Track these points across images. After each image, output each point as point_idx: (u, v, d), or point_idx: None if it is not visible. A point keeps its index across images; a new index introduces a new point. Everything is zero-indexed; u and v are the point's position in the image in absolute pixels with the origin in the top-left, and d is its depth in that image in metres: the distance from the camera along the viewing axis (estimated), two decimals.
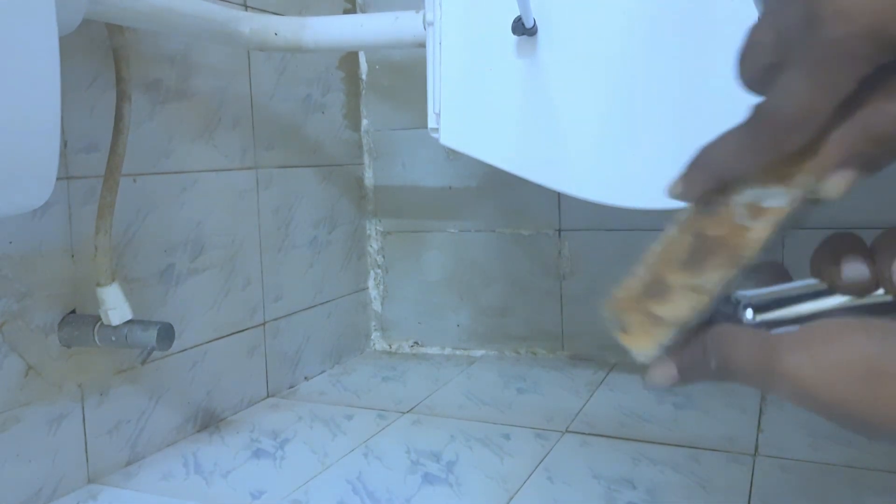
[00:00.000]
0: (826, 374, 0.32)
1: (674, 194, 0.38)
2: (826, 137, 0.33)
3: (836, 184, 0.33)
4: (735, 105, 0.36)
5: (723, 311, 0.37)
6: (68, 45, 0.77)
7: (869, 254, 0.35)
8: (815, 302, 0.36)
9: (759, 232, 0.35)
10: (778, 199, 0.35)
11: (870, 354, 0.31)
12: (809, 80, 0.32)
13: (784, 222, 0.35)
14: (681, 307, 0.36)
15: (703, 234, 0.36)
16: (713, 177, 0.36)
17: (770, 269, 0.40)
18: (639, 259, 0.38)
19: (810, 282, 0.36)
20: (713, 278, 0.35)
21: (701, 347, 0.36)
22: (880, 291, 0.35)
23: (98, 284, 0.87)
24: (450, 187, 1.40)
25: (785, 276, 0.38)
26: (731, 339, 0.35)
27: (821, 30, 0.31)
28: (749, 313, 0.36)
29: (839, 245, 0.36)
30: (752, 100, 0.35)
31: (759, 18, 0.35)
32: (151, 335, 0.86)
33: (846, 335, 0.32)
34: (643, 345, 0.36)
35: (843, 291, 0.35)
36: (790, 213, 0.35)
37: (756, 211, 0.35)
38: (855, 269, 0.35)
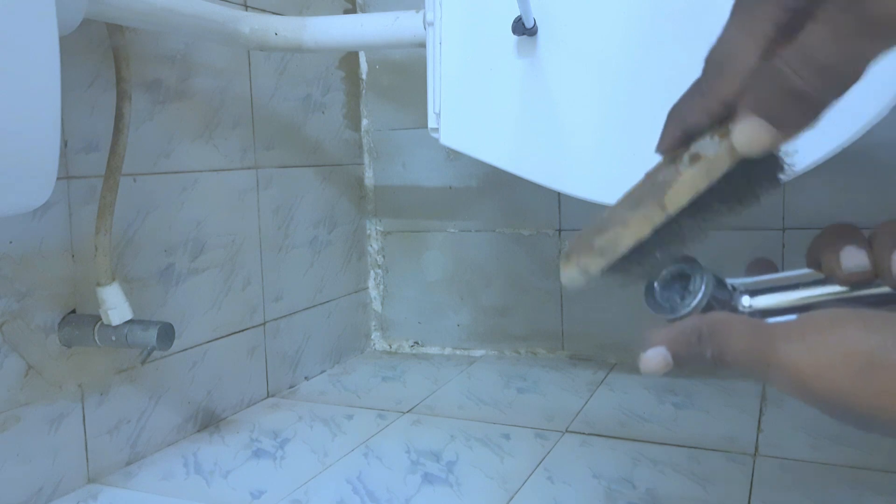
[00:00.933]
0: (822, 365, 0.32)
1: (657, 150, 0.39)
2: None
3: (741, 132, 0.33)
4: None
5: (719, 297, 0.37)
6: (68, 45, 0.77)
7: (868, 244, 0.35)
8: (812, 290, 0.36)
9: (686, 176, 0.35)
10: (712, 149, 0.35)
11: (867, 346, 0.31)
12: (735, 24, 0.34)
13: (712, 173, 0.35)
14: (609, 237, 0.36)
15: (655, 179, 0.37)
16: (675, 128, 0.37)
17: (761, 264, 0.40)
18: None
19: (805, 271, 0.36)
20: (641, 214, 0.35)
21: (697, 335, 0.35)
22: (878, 282, 0.34)
23: (98, 284, 0.87)
24: (450, 187, 1.41)
25: (775, 271, 0.38)
26: (726, 327, 0.35)
27: None
28: (745, 300, 0.36)
29: (839, 235, 0.35)
30: None
31: None
32: (151, 335, 0.86)
33: (843, 326, 0.32)
34: (570, 270, 0.37)
35: (842, 282, 0.35)
36: (715, 162, 0.34)
37: (693, 158, 0.35)
38: (854, 259, 0.34)
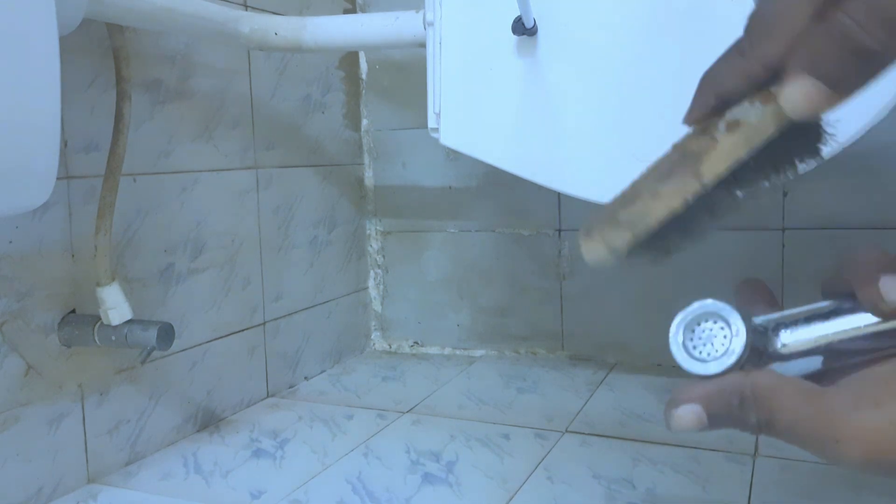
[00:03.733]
0: None
1: (685, 121, 0.36)
2: None
3: (792, 93, 0.30)
4: None
5: (756, 345, 0.34)
6: (68, 45, 0.77)
7: None
8: (842, 324, 0.33)
9: (725, 144, 0.32)
10: (753, 115, 0.32)
11: None
12: None
13: (753, 140, 0.32)
14: (638, 209, 0.34)
15: (685, 149, 0.35)
16: (709, 96, 0.35)
17: (751, 285, 0.37)
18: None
19: (824, 304, 0.34)
20: (673, 184, 0.33)
21: (738, 397, 0.32)
22: None
23: (98, 284, 0.87)
24: (450, 187, 1.40)
25: (767, 293, 0.36)
26: (775, 393, 0.31)
27: None
28: (779, 343, 0.34)
29: (871, 264, 0.33)
30: None
31: None
32: (151, 335, 0.86)
33: None
34: (595, 246, 0.34)
35: (884, 314, 0.32)
36: (758, 128, 0.32)
37: (731, 125, 0.33)
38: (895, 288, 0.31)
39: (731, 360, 0.33)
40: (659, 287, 1.21)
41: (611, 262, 0.34)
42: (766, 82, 0.32)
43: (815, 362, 0.34)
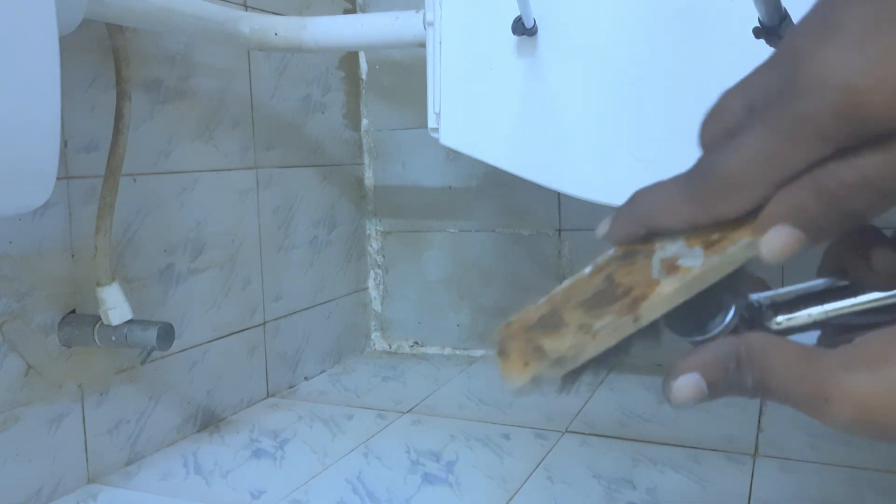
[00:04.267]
0: None
1: (600, 234, 0.35)
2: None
3: (770, 240, 0.30)
4: None
5: (747, 317, 0.34)
6: (68, 45, 0.77)
7: (893, 244, 0.32)
8: (840, 301, 0.33)
9: (667, 289, 0.32)
10: (693, 260, 0.32)
11: None
12: (763, 147, 0.30)
13: (695, 287, 0.32)
14: (564, 343, 0.33)
15: (613, 278, 0.34)
16: (640, 225, 0.34)
17: (749, 280, 0.38)
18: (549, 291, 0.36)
19: (820, 281, 0.34)
20: (606, 322, 0.33)
21: (734, 360, 0.32)
22: None
23: (98, 284, 0.87)
24: (450, 187, 1.40)
25: (758, 279, 0.37)
26: (768, 351, 0.31)
27: (792, 99, 0.29)
28: (774, 319, 0.34)
29: (862, 238, 0.33)
30: None
31: (734, 85, 0.33)
32: (151, 335, 0.86)
33: None
34: (516, 373, 0.34)
35: (874, 286, 0.32)
36: (701, 277, 0.32)
37: (670, 268, 0.32)
38: (886, 261, 0.32)
39: (718, 327, 0.33)
40: None
41: (531, 391, 0.33)
42: (705, 228, 0.32)
43: (811, 338, 0.34)
